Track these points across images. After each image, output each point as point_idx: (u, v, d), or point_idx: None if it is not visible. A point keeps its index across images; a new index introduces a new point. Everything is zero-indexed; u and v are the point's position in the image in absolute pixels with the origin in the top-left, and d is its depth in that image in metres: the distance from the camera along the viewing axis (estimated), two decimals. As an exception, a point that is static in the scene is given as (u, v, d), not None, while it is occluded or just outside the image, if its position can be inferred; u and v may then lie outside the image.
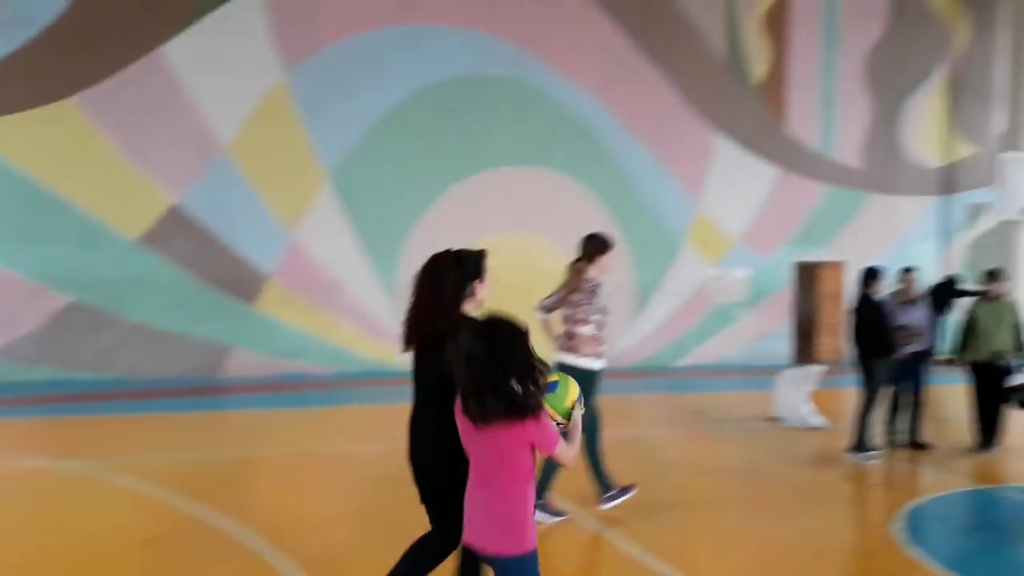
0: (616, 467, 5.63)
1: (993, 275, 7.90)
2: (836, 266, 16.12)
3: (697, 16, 15.16)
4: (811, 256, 15.93)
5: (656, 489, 6.06)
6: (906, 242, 16.67)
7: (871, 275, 7.44)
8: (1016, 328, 7.57)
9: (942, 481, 6.69)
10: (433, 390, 3.11)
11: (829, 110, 16.20)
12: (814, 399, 9.03)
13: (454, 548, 3.09)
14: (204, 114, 12.45)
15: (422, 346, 3.22)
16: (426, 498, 3.27)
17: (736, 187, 15.43)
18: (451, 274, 3.22)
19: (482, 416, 2.59)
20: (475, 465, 2.73)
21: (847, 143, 16.35)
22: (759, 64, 15.67)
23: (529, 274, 14.07)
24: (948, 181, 17.22)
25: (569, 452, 2.77)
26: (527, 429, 2.60)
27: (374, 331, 13.33)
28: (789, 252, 15.79)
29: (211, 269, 12.52)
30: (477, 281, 3.25)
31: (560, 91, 14.32)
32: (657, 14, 14.92)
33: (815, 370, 9.10)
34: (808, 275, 16.12)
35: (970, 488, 6.50)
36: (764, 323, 15.67)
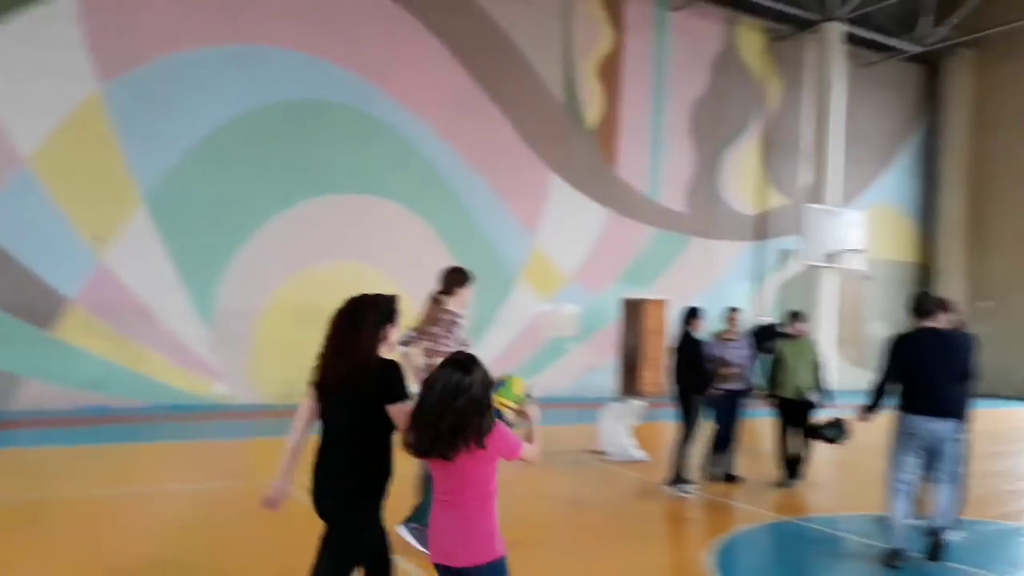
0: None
1: (795, 316, 8.40)
2: (659, 303, 16.89)
3: (536, 60, 15.59)
4: (637, 293, 16.60)
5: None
6: (723, 283, 17.73)
7: (692, 314, 7.70)
8: (816, 366, 8.01)
9: (752, 514, 6.95)
10: (351, 430, 3.19)
11: (657, 156, 17.06)
12: (636, 432, 9.28)
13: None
14: (2, 122, 11.31)
15: (341, 387, 3.20)
16: (337, 537, 3.25)
17: (569, 225, 15.86)
18: (370, 317, 3.24)
19: (454, 450, 2.77)
20: (440, 488, 2.88)
21: (672, 188, 17.25)
22: (593, 109, 16.28)
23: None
24: (761, 228, 18.54)
25: (533, 451, 3.02)
26: (490, 448, 2.81)
27: (187, 362, 12.51)
28: (617, 289, 16.38)
29: (2, 291, 11.31)
30: (390, 324, 3.29)
31: (401, 123, 14.20)
32: (499, 55, 15.20)
33: (637, 404, 9.36)
34: (634, 311, 16.77)
35: (777, 520, 6.81)
36: (592, 357, 16.10)
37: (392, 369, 3.18)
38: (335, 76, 13.64)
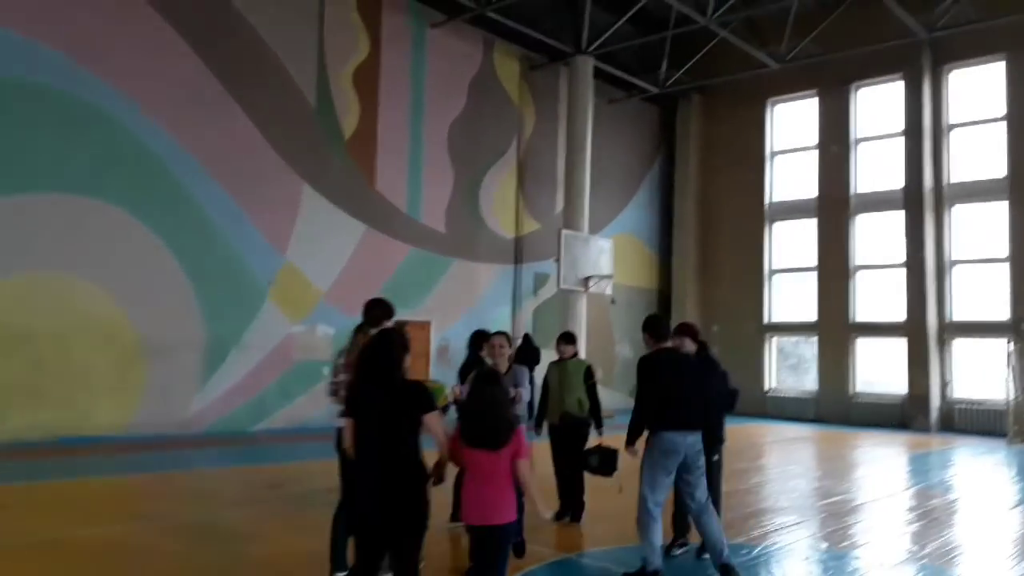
0: (170, 566, 4.23)
1: (562, 338, 7.77)
2: (422, 326, 16.25)
3: (288, 60, 14.41)
4: (397, 315, 15.79)
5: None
6: (484, 305, 17.50)
7: (483, 337, 6.84)
8: (581, 389, 7.28)
9: (532, 552, 6.15)
10: (394, 444, 3.71)
11: (416, 174, 16.49)
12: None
13: None
14: None
15: (378, 407, 3.72)
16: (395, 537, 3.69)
17: (323, 241, 14.74)
18: (397, 348, 3.85)
19: (498, 443, 3.85)
20: (474, 471, 3.90)
21: (432, 208, 16.76)
22: (349, 120, 15.38)
23: (66, 322, 11.75)
24: (519, 251, 18.62)
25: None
26: (514, 442, 3.89)
27: None
28: (376, 311, 15.45)
29: None
30: (407, 352, 3.91)
31: (123, 116, 12.31)
32: (243, 50, 13.82)
33: None
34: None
35: (558, 557, 6.19)
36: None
37: (421, 386, 3.84)
38: (40, 55, 11.54)
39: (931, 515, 8.20)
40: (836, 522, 7.70)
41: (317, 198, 14.72)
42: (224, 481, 8.85)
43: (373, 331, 5.14)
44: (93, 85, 11.99)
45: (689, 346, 5.98)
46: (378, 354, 3.82)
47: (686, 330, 6.14)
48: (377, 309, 5.60)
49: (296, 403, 14.11)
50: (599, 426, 7.25)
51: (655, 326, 5.63)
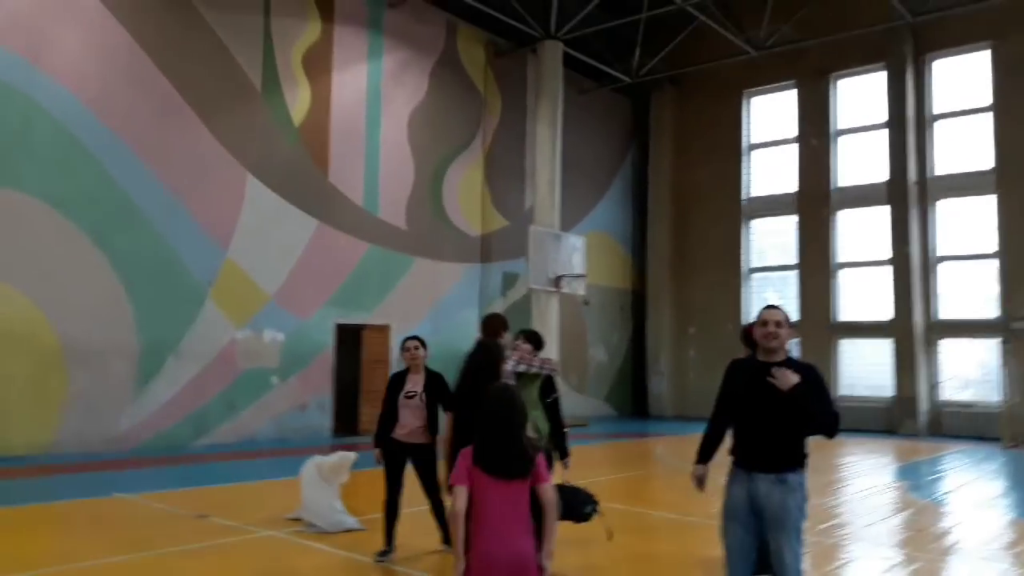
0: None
1: (520, 335, 5.85)
2: (381, 329, 15.02)
3: (231, 39, 13.09)
4: (354, 318, 14.56)
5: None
6: (449, 307, 16.30)
7: (502, 323, 5.70)
8: (538, 408, 5.44)
9: None
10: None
11: (373, 165, 15.25)
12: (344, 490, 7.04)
13: None
14: None
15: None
16: None
17: (271, 237, 13.43)
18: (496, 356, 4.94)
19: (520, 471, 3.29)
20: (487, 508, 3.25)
21: (391, 202, 15.52)
22: (299, 105, 14.09)
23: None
24: (486, 250, 17.45)
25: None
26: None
27: None
28: (329, 313, 14.20)
29: None
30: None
31: (38, 92, 10.91)
32: (181, 26, 12.48)
33: (346, 456, 7.10)
34: (350, 339, 14.71)
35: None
36: (301, 393, 13.72)
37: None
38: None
39: (938, 547, 7.19)
40: (827, 559, 6.64)
41: (263, 189, 13.40)
42: (140, 510, 7.53)
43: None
44: (8, 63, 10.59)
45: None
46: (487, 362, 4.88)
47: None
48: (496, 321, 5.61)
49: (241, 417, 12.79)
50: (564, 456, 5.43)
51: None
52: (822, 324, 18.89)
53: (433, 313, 15.87)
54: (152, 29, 12.11)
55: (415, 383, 5.76)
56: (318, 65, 14.42)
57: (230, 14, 13.09)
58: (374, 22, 15.46)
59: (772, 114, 20.73)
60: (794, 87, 20.04)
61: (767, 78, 20.28)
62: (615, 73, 19.30)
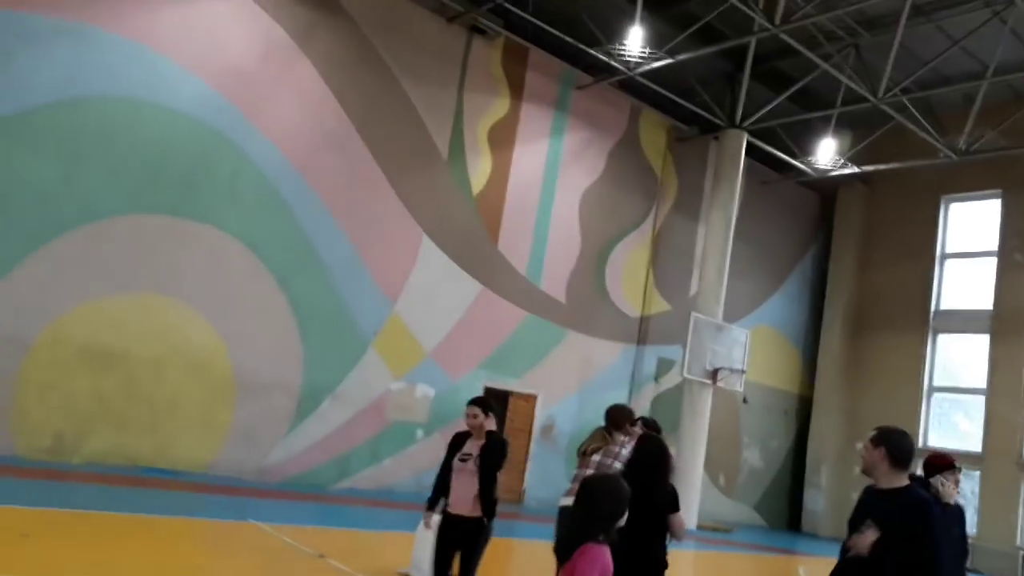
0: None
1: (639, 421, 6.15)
2: (528, 398, 15.12)
3: (422, 107, 14.00)
4: (503, 383, 14.76)
5: None
6: (598, 385, 16.14)
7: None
8: None
9: None
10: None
11: (541, 237, 15.59)
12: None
13: None
14: None
15: None
16: None
17: (436, 295, 13.99)
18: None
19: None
20: None
21: (554, 274, 15.75)
22: (479, 174, 14.75)
23: (162, 347, 11.38)
24: (643, 332, 17.23)
25: None
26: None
27: None
28: (480, 375, 14.48)
29: None
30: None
31: (248, 140, 12.10)
32: (381, 94, 13.52)
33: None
34: (498, 403, 14.89)
35: None
36: (443, 450, 13.94)
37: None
38: (182, 79, 11.58)
39: None
40: None
41: (435, 250, 14.05)
42: (266, 539, 7.92)
43: (618, 434, 5.84)
44: (227, 114, 11.92)
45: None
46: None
47: None
48: (619, 414, 5.86)
49: (383, 465, 13.21)
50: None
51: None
52: (1010, 458, 16.94)
53: (581, 388, 15.78)
54: (357, 97, 13.20)
55: (472, 447, 5.22)
56: (502, 139, 15.09)
57: (427, 87, 14.03)
58: (561, 102, 16.01)
59: (972, 223, 19.26)
60: (999, 196, 18.56)
61: (969, 184, 18.93)
62: (800, 165, 18.75)
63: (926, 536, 3.28)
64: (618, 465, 5.47)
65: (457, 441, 5.37)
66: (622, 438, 5.79)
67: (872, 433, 3.63)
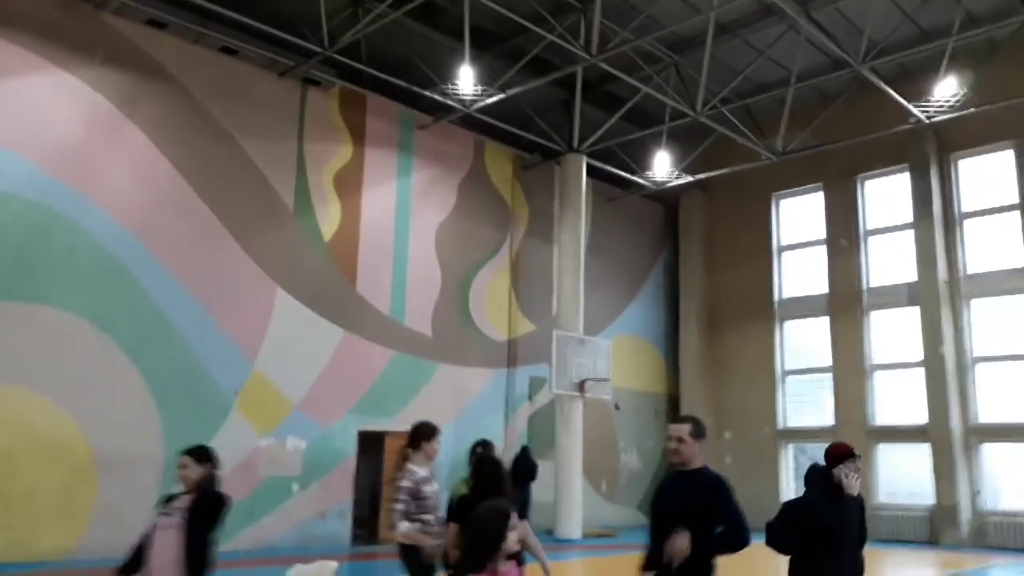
0: None
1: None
2: (404, 436, 15.28)
3: (266, 164, 14.12)
4: (377, 425, 14.93)
5: None
6: (474, 412, 16.54)
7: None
8: None
9: None
10: None
11: (401, 276, 15.91)
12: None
13: None
14: None
15: None
16: None
17: (297, 347, 14.04)
18: None
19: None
20: None
21: (418, 310, 16.08)
22: (329, 222, 14.94)
23: (11, 438, 10.94)
24: (512, 355, 17.78)
25: None
26: None
27: None
28: (352, 420, 14.61)
29: None
30: None
31: (84, 217, 11.91)
32: (217, 153, 13.56)
33: (330, 566, 7.34)
34: (373, 445, 15.03)
35: None
36: (322, 500, 14.01)
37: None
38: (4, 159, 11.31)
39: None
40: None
41: (291, 302, 14.12)
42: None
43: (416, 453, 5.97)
44: (56, 190, 11.68)
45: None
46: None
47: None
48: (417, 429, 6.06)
49: (261, 523, 13.12)
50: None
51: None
52: (858, 428, 18.40)
53: (458, 418, 16.12)
54: (193, 159, 13.19)
55: (182, 501, 4.56)
56: (349, 184, 15.34)
57: (265, 142, 14.15)
58: (404, 143, 16.43)
59: (801, 216, 20.90)
60: (821, 189, 20.24)
61: (794, 180, 20.55)
62: (641, 180, 19.86)
63: (733, 505, 4.00)
64: (407, 483, 5.80)
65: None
66: (421, 457, 6.00)
67: (683, 430, 4.16)
